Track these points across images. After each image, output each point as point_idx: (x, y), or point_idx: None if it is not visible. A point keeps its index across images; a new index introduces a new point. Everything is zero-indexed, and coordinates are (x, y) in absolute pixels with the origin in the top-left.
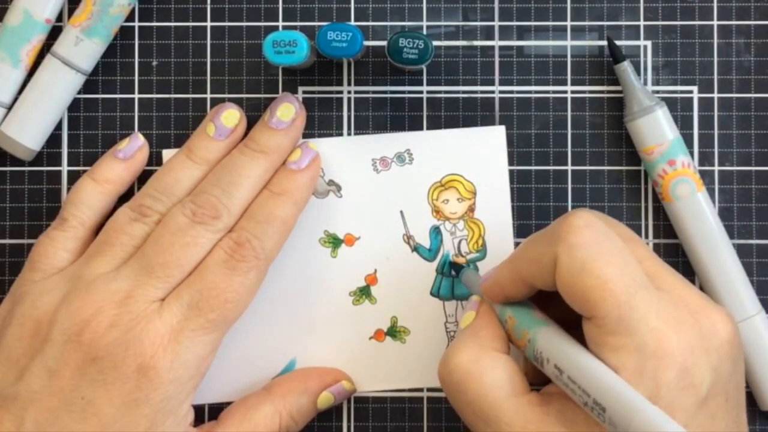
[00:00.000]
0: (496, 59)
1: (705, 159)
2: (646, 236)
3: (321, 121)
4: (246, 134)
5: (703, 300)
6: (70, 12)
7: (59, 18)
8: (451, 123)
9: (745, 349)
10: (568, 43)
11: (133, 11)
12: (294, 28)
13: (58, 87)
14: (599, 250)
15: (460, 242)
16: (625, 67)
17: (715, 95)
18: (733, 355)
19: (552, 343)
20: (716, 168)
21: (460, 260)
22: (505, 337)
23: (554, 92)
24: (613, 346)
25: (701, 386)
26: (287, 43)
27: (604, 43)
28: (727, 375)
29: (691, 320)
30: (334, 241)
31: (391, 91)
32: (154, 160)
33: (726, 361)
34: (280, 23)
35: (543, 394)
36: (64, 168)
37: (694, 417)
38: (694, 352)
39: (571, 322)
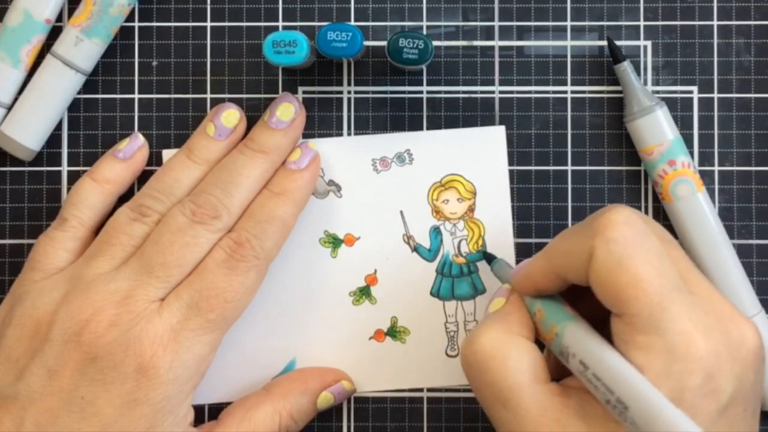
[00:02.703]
0: (496, 59)
1: (705, 159)
2: None
3: (321, 121)
4: (246, 134)
5: (732, 308)
6: (70, 12)
7: (59, 18)
8: (451, 123)
9: None
10: (568, 43)
11: (133, 11)
12: (294, 28)
13: (58, 87)
14: (636, 248)
15: (460, 242)
16: (625, 67)
17: (715, 95)
18: (757, 366)
19: (579, 339)
20: (716, 168)
21: (460, 260)
22: (533, 326)
23: (554, 92)
24: (641, 345)
25: (724, 394)
26: (287, 43)
27: (604, 43)
28: (750, 385)
29: (720, 327)
30: (334, 241)
31: (391, 91)
32: (154, 160)
33: (750, 371)
34: (280, 23)
35: (563, 386)
36: (64, 168)
37: (713, 424)
38: (721, 359)
39: (599, 321)
